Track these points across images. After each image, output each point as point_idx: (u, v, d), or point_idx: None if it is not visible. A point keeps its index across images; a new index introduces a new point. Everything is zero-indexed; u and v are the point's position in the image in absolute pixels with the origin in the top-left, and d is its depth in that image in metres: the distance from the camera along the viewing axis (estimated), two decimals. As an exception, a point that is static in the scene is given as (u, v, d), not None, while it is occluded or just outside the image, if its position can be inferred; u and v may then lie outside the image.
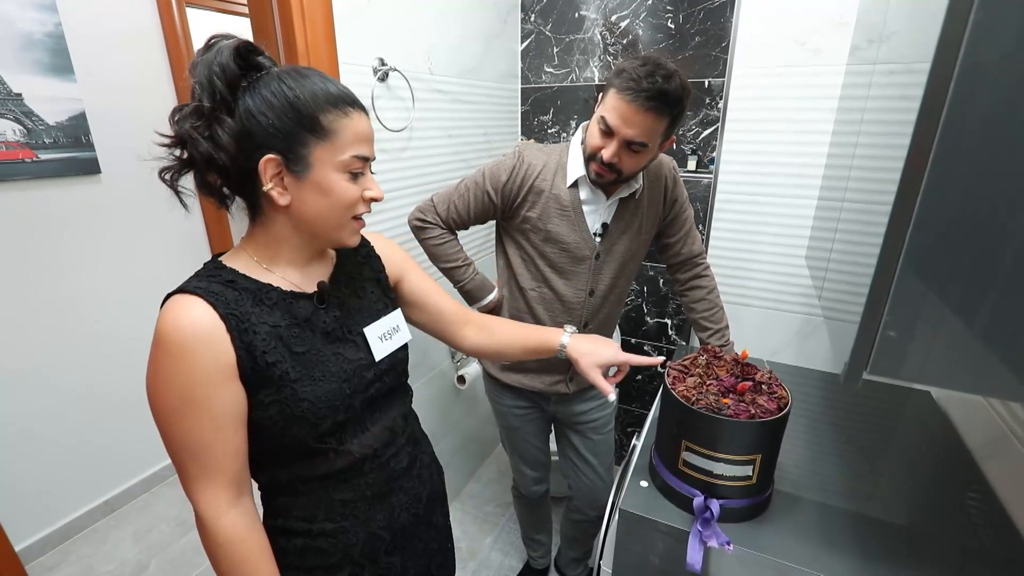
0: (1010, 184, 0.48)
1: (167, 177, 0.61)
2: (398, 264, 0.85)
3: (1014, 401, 0.61)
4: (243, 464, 0.64)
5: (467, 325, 0.91)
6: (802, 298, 1.47)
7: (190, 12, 2.01)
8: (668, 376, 0.87)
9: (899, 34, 0.73)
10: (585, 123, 1.09)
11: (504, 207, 1.14)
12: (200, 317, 0.59)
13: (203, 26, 2.25)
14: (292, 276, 0.68)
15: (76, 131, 1.69)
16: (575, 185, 1.10)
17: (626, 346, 1.99)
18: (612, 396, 0.85)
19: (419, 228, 1.22)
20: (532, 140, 2.00)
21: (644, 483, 0.94)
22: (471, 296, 1.25)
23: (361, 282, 0.77)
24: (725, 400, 0.81)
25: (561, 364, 1.24)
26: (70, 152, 1.69)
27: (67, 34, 1.63)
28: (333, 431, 0.68)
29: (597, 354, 0.85)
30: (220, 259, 0.67)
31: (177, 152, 0.61)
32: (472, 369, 1.83)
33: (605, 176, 1.03)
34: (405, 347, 0.80)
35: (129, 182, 1.86)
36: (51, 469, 1.79)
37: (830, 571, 0.75)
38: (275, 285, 0.66)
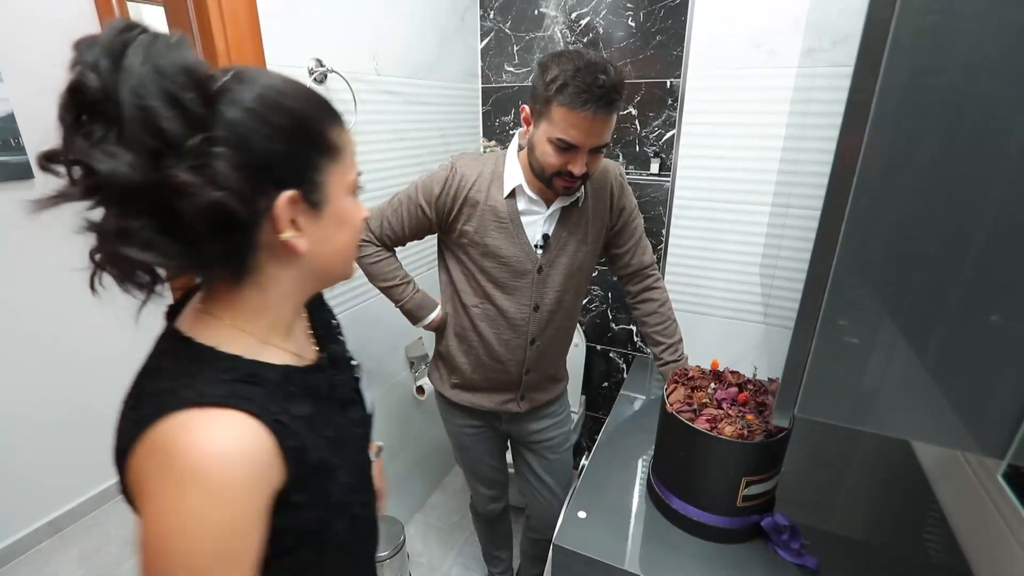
0: (934, 202, 0.43)
1: (130, 264, 0.41)
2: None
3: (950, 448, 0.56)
4: None
5: None
6: (760, 307, 1.43)
7: (130, 7, 1.91)
8: (681, 413, 0.84)
9: (838, 36, 0.68)
10: (520, 129, 1.02)
11: (439, 221, 1.08)
12: (255, 441, 0.43)
13: (149, 21, 2.16)
14: (290, 345, 0.54)
15: (4, 133, 1.59)
16: (512, 195, 1.04)
17: (591, 352, 1.94)
18: None
19: (366, 263, 1.15)
20: (492, 142, 1.94)
21: (582, 514, 0.89)
22: (412, 315, 1.19)
23: (329, 329, 0.66)
24: (750, 417, 0.80)
25: (511, 382, 1.18)
26: (-2, 156, 1.59)
27: (-10, 31, 1.53)
28: (359, 505, 0.60)
29: None
30: (195, 339, 0.47)
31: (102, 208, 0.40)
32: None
33: (576, 186, 0.98)
34: None
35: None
36: (-14, 490, 1.70)
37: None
38: (292, 365, 0.52)
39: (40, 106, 1.77)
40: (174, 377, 0.44)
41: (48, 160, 0.40)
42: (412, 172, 1.61)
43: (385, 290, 1.18)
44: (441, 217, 1.07)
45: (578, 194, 1.05)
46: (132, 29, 0.40)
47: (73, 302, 1.85)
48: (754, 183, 1.32)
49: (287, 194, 0.44)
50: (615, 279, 1.81)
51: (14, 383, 1.73)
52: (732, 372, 0.93)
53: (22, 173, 1.65)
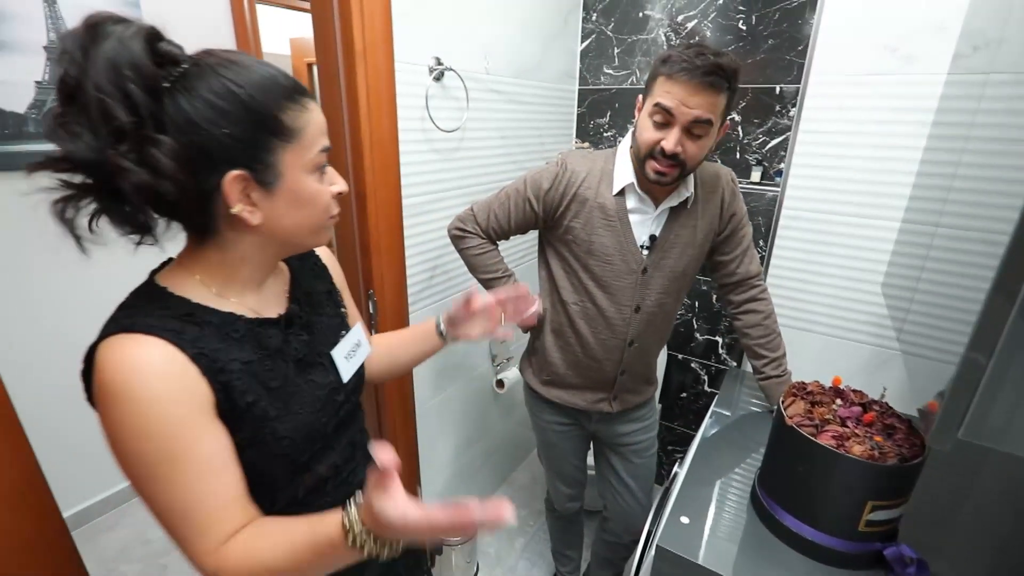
0: None
1: (67, 214, 0.49)
2: (340, 280, 0.78)
3: None
4: (243, 508, 0.54)
5: (374, 353, 0.85)
6: (873, 327, 1.35)
7: (260, 8, 2.09)
8: (802, 427, 0.81)
9: (1016, 41, 0.63)
10: (633, 128, 1.03)
11: (546, 216, 1.10)
12: (164, 357, 0.49)
13: (271, 22, 2.34)
14: (249, 300, 0.60)
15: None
16: (621, 193, 1.05)
17: (672, 362, 1.91)
18: (508, 333, 0.85)
19: (458, 237, 1.19)
20: (585, 143, 1.95)
21: (685, 519, 0.88)
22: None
23: (318, 297, 0.71)
24: (879, 439, 0.77)
25: (605, 382, 1.19)
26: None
27: (148, 29, 1.72)
28: (309, 462, 0.63)
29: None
30: (160, 283, 0.56)
31: (73, 179, 0.48)
32: (511, 374, 1.80)
33: (668, 173, 0.95)
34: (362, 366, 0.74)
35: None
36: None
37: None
38: (237, 314, 0.57)
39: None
40: (126, 309, 0.53)
41: (49, 133, 0.48)
42: (509, 169, 1.65)
43: (485, 282, 1.20)
44: (548, 212, 1.09)
45: (687, 194, 1.04)
46: (105, 21, 0.46)
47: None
48: (877, 196, 1.24)
49: (233, 173, 0.50)
50: (704, 288, 1.78)
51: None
52: (854, 391, 0.89)
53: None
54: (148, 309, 0.52)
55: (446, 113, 1.33)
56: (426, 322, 0.87)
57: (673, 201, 1.04)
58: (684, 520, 0.88)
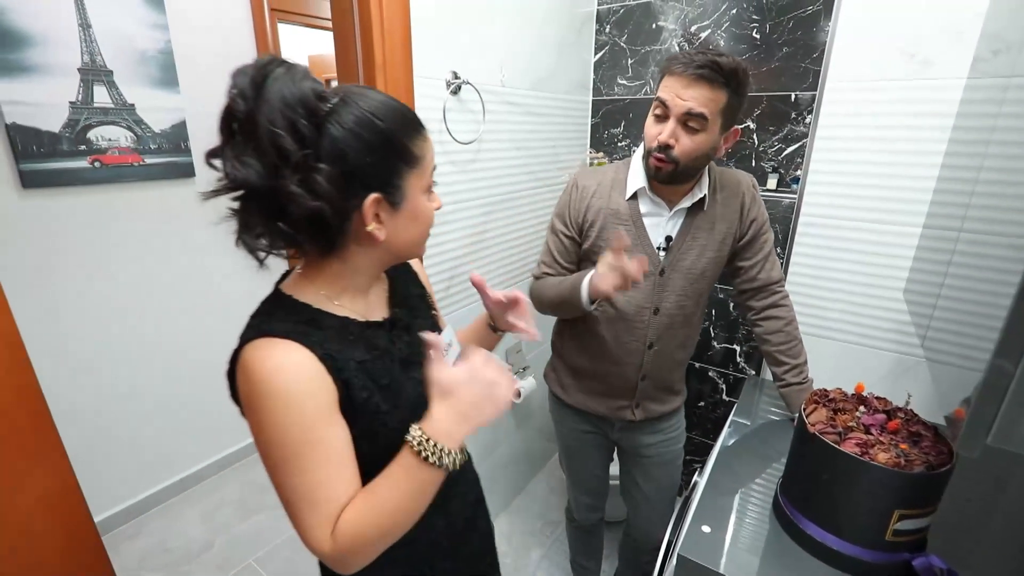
0: None
1: (253, 241, 0.56)
2: (427, 286, 0.85)
3: None
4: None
5: None
6: (895, 335, 1.32)
7: (281, 27, 2.15)
8: (824, 435, 0.80)
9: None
10: None
11: (581, 237, 1.12)
12: (302, 361, 0.56)
13: (292, 40, 2.40)
14: (358, 306, 0.66)
15: (177, 138, 1.85)
16: (634, 198, 1.07)
17: (690, 370, 1.89)
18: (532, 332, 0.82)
19: (531, 291, 1.17)
20: (600, 153, 1.96)
21: (706, 528, 0.87)
22: (574, 299, 1.05)
23: (414, 301, 0.77)
24: (904, 446, 0.76)
25: (627, 387, 1.19)
26: (171, 157, 1.84)
27: (175, 50, 1.79)
28: None
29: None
30: (287, 292, 0.63)
31: (235, 203, 0.55)
32: (526, 383, 1.80)
33: (663, 167, 0.98)
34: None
35: (219, 185, 2.01)
36: (131, 449, 1.96)
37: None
38: (351, 318, 0.64)
39: (203, 114, 2.05)
40: (261, 316, 0.60)
41: (209, 157, 0.54)
42: (524, 180, 1.67)
43: (558, 304, 1.11)
44: (579, 231, 1.12)
45: (700, 194, 1.05)
46: (272, 63, 0.53)
47: (212, 290, 2.10)
48: (896, 201, 1.23)
49: (373, 196, 0.56)
50: (721, 296, 1.77)
51: (154, 365, 1.98)
52: (878, 398, 0.88)
53: (187, 171, 1.90)
54: (279, 315, 0.60)
55: (463, 126, 1.35)
56: (478, 318, 0.90)
57: (687, 202, 1.06)
58: (705, 529, 0.87)
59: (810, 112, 1.44)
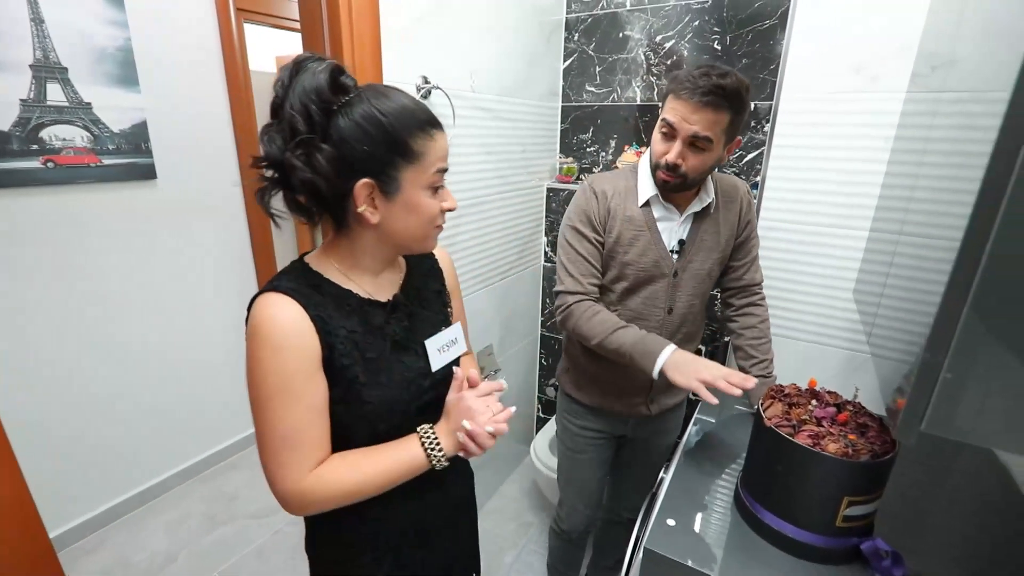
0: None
1: (264, 199, 0.66)
2: (452, 284, 0.89)
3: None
4: (327, 451, 0.69)
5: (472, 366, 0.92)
6: (847, 332, 1.39)
7: (247, 27, 2.11)
8: (780, 428, 0.84)
9: (967, 60, 0.69)
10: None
11: (605, 236, 1.13)
12: (294, 315, 0.64)
13: (258, 41, 2.36)
14: (367, 284, 0.73)
15: (137, 139, 1.79)
16: (647, 205, 1.11)
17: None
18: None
19: (567, 318, 1.13)
20: (569, 158, 2.00)
21: (671, 521, 0.90)
22: (640, 361, 1.03)
23: (427, 294, 0.82)
24: (852, 437, 0.80)
25: (643, 386, 1.23)
26: (131, 158, 1.79)
27: (135, 48, 1.74)
28: (388, 432, 0.73)
29: None
30: (306, 260, 0.72)
31: (268, 173, 0.64)
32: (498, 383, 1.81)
33: (671, 181, 1.03)
34: (458, 358, 0.83)
35: (181, 188, 1.95)
36: (91, 459, 1.88)
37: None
38: (354, 292, 0.71)
39: (166, 115, 1.98)
40: (279, 275, 0.69)
41: (262, 135, 0.64)
42: (495, 184, 1.69)
43: (612, 352, 1.08)
44: (603, 229, 1.13)
45: (708, 200, 1.11)
46: (310, 59, 0.62)
47: (178, 294, 2.03)
48: (847, 207, 1.30)
49: (364, 180, 0.63)
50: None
51: (115, 371, 1.90)
52: (829, 392, 0.93)
53: (147, 173, 1.84)
54: (291, 276, 0.68)
55: (433, 129, 1.36)
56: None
57: (696, 207, 1.11)
58: (671, 523, 0.90)
59: (768, 121, 1.51)
